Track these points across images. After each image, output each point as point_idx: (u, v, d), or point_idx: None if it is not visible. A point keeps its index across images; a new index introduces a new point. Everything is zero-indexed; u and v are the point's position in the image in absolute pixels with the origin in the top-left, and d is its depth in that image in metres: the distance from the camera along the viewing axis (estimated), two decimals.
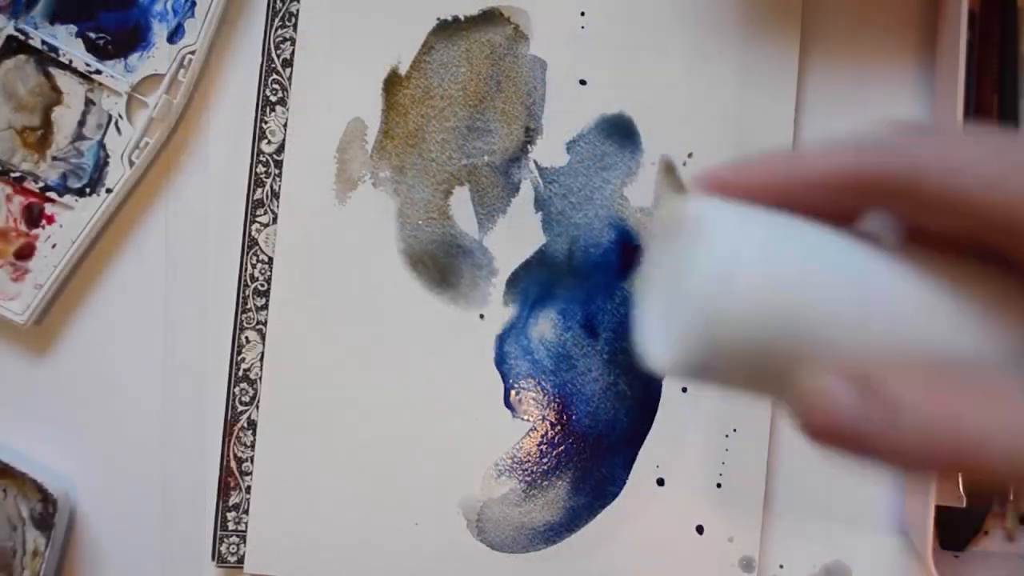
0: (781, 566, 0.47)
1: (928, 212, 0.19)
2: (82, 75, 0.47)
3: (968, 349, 0.19)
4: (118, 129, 0.47)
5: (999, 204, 0.18)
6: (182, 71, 0.47)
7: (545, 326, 0.47)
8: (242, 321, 0.47)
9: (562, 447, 0.46)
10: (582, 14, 0.47)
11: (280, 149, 0.47)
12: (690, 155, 0.46)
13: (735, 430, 0.46)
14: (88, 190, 0.47)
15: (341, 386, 0.47)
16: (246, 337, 0.47)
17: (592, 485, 0.46)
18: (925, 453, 0.17)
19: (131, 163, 0.47)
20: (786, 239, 0.19)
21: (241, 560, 0.46)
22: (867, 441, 0.18)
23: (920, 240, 0.20)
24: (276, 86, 0.47)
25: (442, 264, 0.47)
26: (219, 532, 0.46)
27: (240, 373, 0.47)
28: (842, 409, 0.18)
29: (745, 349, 0.19)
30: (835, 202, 0.20)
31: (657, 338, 0.21)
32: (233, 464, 0.47)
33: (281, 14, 0.47)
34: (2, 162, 0.47)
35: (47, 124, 0.47)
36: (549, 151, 0.47)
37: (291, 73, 0.47)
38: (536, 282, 0.47)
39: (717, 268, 0.19)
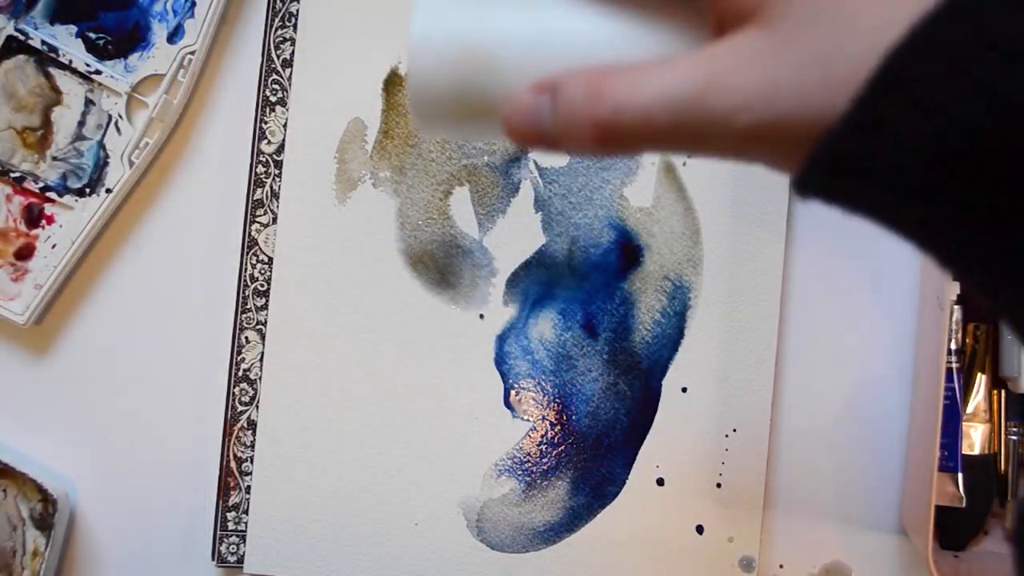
0: (781, 566, 0.47)
1: None
2: (82, 75, 0.47)
3: (638, 53, 0.23)
4: (118, 129, 0.47)
5: None
6: (182, 71, 0.47)
7: (545, 326, 0.47)
8: (242, 321, 0.47)
9: (562, 447, 0.46)
10: None
11: (280, 149, 0.47)
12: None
13: (735, 430, 0.46)
14: (88, 190, 0.47)
15: (341, 386, 0.47)
16: (246, 337, 0.47)
17: (592, 485, 0.46)
18: (580, 127, 0.22)
19: (131, 163, 0.47)
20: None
21: (241, 560, 0.46)
22: (542, 129, 0.22)
23: None
24: (276, 86, 0.47)
25: (442, 264, 0.47)
26: (219, 532, 0.46)
27: (240, 373, 0.47)
28: (524, 108, 0.22)
29: (453, 96, 0.23)
30: None
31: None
32: (233, 464, 0.47)
33: (281, 14, 0.47)
34: (2, 162, 0.47)
35: (47, 124, 0.47)
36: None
37: (291, 73, 0.47)
38: (536, 282, 0.47)
39: (415, 35, 0.23)
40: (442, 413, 0.47)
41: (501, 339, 0.47)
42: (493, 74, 0.23)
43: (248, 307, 0.47)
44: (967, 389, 0.45)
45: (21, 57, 0.47)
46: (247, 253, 0.47)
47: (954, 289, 0.42)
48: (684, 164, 0.47)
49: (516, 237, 0.47)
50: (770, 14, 0.20)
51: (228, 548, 0.47)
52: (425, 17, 0.23)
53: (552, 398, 0.46)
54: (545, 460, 0.46)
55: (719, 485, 0.46)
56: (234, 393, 0.47)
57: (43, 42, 0.47)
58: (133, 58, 0.47)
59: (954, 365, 0.44)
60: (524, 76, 0.23)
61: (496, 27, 0.23)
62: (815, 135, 0.19)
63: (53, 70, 0.47)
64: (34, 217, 0.47)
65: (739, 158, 0.22)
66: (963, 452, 0.45)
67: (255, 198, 0.47)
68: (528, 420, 0.46)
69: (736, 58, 0.20)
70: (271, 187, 0.47)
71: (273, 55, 0.47)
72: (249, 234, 0.47)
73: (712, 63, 0.21)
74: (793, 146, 0.20)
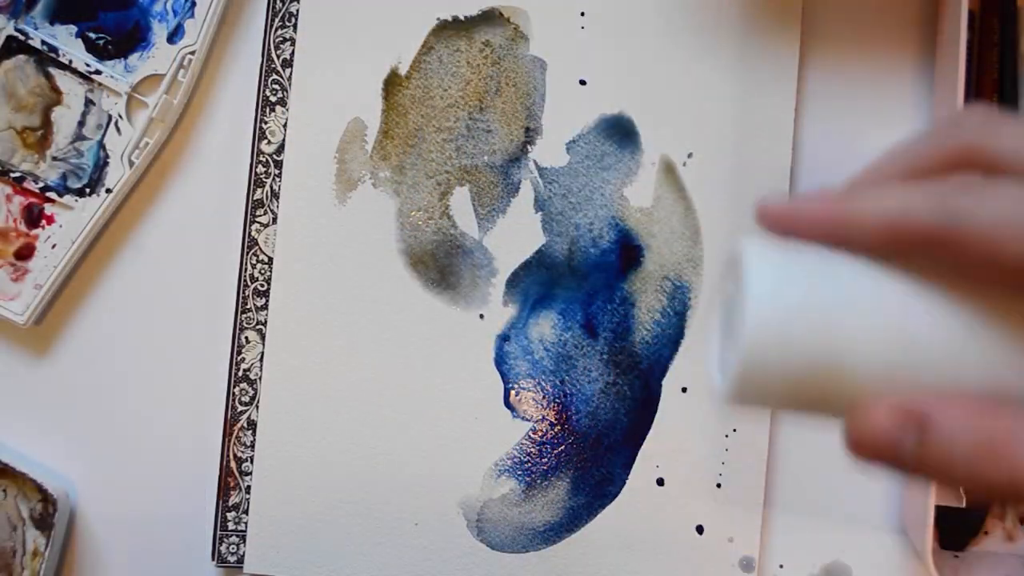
0: (781, 566, 0.47)
1: (971, 264, 0.20)
2: (82, 75, 0.47)
3: (1012, 380, 0.20)
4: (118, 129, 0.47)
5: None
6: (182, 71, 0.47)
7: (545, 326, 0.47)
8: (242, 321, 0.47)
9: (562, 447, 0.46)
10: (582, 14, 0.47)
11: (280, 149, 0.47)
12: (690, 155, 0.47)
13: (735, 430, 0.46)
14: (88, 190, 0.47)
15: (341, 386, 0.47)
16: (246, 337, 0.47)
17: (592, 485, 0.46)
18: (959, 477, 0.19)
19: (131, 163, 0.47)
20: (825, 280, 0.21)
21: (241, 560, 0.46)
22: (898, 457, 0.20)
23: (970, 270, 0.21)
24: (276, 86, 0.47)
25: (442, 264, 0.47)
26: (219, 532, 0.46)
27: (240, 373, 0.47)
28: (880, 432, 0.20)
29: (785, 385, 0.21)
30: (882, 247, 0.21)
31: (718, 370, 0.23)
32: (233, 464, 0.47)
33: (281, 14, 0.47)
34: (2, 162, 0.47)
35: (47, 124, 0.47)
36: (549, 151, 0.47)
37: (291, 73, 0.47)
38: (536, 282, 0.47)
39: (756, 314, 0.20)
40: (442, 413, 0.47)
41: (501, 339, 0.47)
42: (839, 376, 0.20)
43: (248, 307, 0.47)
44: None
45: (21, 57, 0.47)
46: (247, 253, 0.47)
47: None
48: (684, 164, 0.47)
49: (516, 237, 0.47)
50: None
51: (228, 548, 0.47)
52: (764, 298, 0.20)
53: (552, 398, 0.46)
54: (545, 460, 0.46)
55: (719, 485, 0.46)
56: (234, 393, 0.47)
57: (43, 42, 0.47)
58: (133, 58, 0.47)
59: None
60: (877, 383, 0.20)
61: (846, 326, 0.20)
62: None
63: (53, 70, 0.47)
64: (34, 217, 0.47)
65: None
66: None
67: (255, 198, 0.47)
68: (528, 420, 0.47)
69: None
70: (271, 187, 0.47)
71: (273, 55, 0.47)
72: (249, 234, 0.47)
73: None
74: None
